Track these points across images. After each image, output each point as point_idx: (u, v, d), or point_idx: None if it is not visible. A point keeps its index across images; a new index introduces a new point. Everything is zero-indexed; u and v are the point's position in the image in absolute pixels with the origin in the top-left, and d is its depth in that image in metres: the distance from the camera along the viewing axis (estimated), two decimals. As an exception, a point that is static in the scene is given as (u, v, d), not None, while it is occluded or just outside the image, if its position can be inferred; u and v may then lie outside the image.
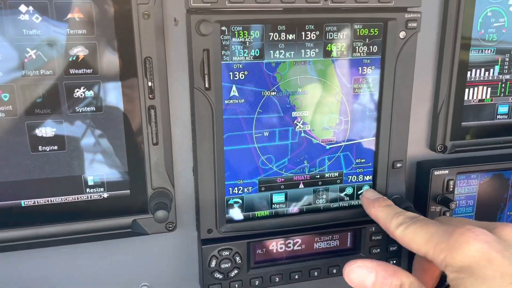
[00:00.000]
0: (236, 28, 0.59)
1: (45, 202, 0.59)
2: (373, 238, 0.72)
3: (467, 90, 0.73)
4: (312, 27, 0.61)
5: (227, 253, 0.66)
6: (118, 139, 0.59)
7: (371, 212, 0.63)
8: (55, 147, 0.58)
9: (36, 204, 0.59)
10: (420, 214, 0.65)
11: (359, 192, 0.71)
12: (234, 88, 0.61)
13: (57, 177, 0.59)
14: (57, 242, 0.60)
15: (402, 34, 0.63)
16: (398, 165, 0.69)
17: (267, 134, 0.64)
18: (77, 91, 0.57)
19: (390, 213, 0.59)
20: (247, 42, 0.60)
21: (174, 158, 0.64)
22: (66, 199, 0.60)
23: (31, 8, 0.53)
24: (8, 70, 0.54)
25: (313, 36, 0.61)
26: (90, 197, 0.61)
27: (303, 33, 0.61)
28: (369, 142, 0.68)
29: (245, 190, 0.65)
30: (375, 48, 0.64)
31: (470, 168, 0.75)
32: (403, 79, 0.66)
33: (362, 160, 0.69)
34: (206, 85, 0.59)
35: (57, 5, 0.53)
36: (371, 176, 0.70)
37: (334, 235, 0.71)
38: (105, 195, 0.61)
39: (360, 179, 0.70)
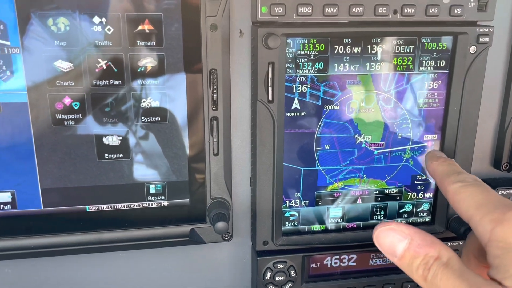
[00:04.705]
0: (301, 41, 0.58)
1: (108, 208, 0.61)
2: (431, 257, 0.70)
3: (537, 107, 0.69)
4: (378, 40, 0.60)
5: (282, 266, 0.65)
6: (181, 148, 0.60)
7: (431, 166, 0.54)
8: (121, 155, 0.59)
9: (100, 210, 0.60)
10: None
11: (418, 210, 0.69)
12: (296, 101, 0.61)
13: (121, 184, 0.60)
14: (118, 247, 0.61)
15: (472, 49, 0.61)
16: (461, 183, 0.67)
17: (327, 148, 0.63)
18: (144, 101, 0.58)
19: (451, 170, 0.51)
20: (312, 55, 0.59)
21: (232, 169, 0.64)
22: (128, 206, 0.61)
23: (104, 19, 0.54)
24: (79, 79, 0.55)
25: (379, 50, 0.60)
26: (151, 205, 0.62)
27: (369, 46, 0.60)
28: (431, 159, 0.66)
29: (302, 203, 0.65)
30: (442, 62, 0.62)
31: (537, 188, 0.71)
32: (471, 94, 0.63)
33: (423, 177, 0.67)
34: (270, 98, 0.58)
35: (129, 17, 0.54)
36: (431, 194, 0.68)
37: (390, 252, 0.69)
38: (166, 203, 0.62)
39: (421, 196, 0.68)
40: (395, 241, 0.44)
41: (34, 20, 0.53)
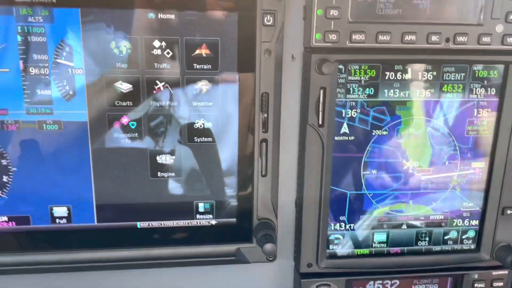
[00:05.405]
0: (353, 67, 0.59)
1: (158, 225, 0.62)
2: (475, 285, 0.69)
3: None
4: (429, 67, 0.60)
5: (325, 289, 0.66)
6: (231, 168, 0.61)
7: None
8: (173, 174, 0.60)
9: (150, 226, 0.62)
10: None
11: (463, 237, 0.68)
12: (345, 125, 0.61)
13: (171, 202, 0.62)
14: (166, 264, 0.62)
15: (524, 84, 0.61)
16: (509, 211, 0.66)
17: (374, 172, 0.63)
18: (197, 122, 0.59)
19: None
20: (363, 81, 0.60)
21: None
22: (177, 223, 0.62)
23: (163, 43, 0.56)
24: (137, 100, 0.58)
25: (430, 77, 0.61)
26: (199, 223, 0.63)
27: (419, 72, 0.60)
28: (479, 186, 0.66)
29: (347, 227, 0.65)
30: (493, 90, 0.62)
31: None
32: (521, 123, 0.63)
33: (470, 204, 0.67)
34: (320, 122, 0.59)
35: (188, 41, 0.56)
36: (477, 221, 0.68)
37: (434, 279, 0.69)
38: (213, 222, 0.63)
39: (466, 223, 0.67)
40: None
41: (97, 44, 0.55)
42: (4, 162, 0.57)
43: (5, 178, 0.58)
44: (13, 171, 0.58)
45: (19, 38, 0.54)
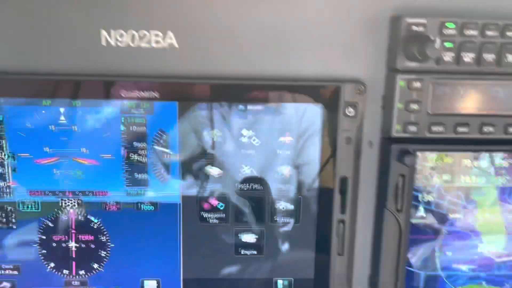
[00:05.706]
0: (430, 154, 0.61)
1: (240, 300, 0.65)
2: None
3: None
4: (505, 155, 0.62)
5: None
6: (309, 248, 0.64)
7: None
8: (255, 252, 0.64)
9: (232, 302, 0.65)
10: None
11: (538, 318, 0.68)
12: (421, 208, 0.63)
13: (252, 278, 0.65)
14: (244, 337, 0.65)
15: None
16: None
17: (449, 254, 0.65)
18: (279, 204, 0.63)
19: None
20: (440, 167, 0.62)
21: (352, 266, 0.67)
22: (257, 299, 0.66)
23: (251, 131, 0.61)
24: (226, 183, 0.62)
25: (506, 164, 0.62)
26: (278, 299, 0.66)
27: (496, 159, 0.62)
28: (555, 269, 0.66)
29: (421, 306, 0.66)
30: None
31: None
32: None
33: (545, 287, 0.67)
34: (398, 208, 0.62)
35: (271, 131, 0.61)
36: (553, 303, 0.67)
37: None
38: (291, 298, 0.66)
39: (542, 305, 0.67)
40: None
41: (191, 132, 0.60)
42: (103, 238, 0.63)
43: (103, 253, 0.63)
44: (110, 246, 0.63)
45: (122, 128, 0.60)
